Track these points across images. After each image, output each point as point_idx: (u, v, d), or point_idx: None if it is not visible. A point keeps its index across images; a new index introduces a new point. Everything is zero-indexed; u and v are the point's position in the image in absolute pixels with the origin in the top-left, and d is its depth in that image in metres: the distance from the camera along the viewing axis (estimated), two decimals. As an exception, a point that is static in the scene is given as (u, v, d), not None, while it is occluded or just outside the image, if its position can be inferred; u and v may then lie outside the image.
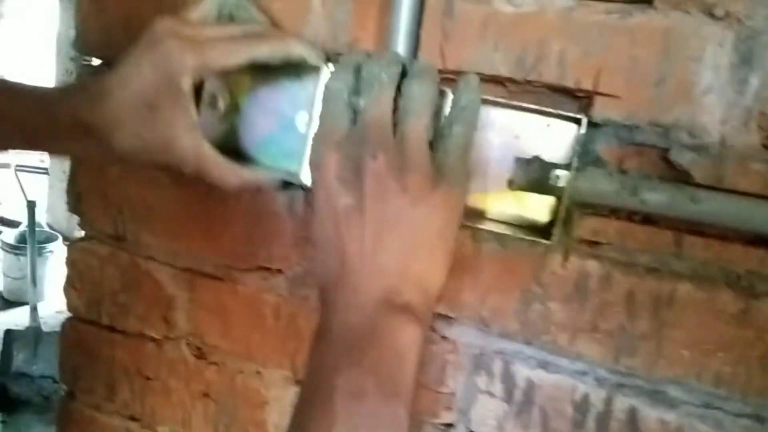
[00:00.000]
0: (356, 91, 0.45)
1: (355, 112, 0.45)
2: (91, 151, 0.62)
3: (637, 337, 0.58)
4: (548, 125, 0.60)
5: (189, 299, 0.76)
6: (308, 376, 0.42)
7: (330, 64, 0.59)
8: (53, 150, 0.71)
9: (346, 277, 0.43)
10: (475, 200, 0.60)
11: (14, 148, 0.61)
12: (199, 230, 0.73)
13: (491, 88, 0.61)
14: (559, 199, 0.55)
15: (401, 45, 0.61)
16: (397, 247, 0.43)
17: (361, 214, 0.43)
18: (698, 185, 0.54)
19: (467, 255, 0.62)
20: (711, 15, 0.53)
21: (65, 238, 4.81)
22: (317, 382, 0.40)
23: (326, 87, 0.46)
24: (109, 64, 0.76)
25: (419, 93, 0.44)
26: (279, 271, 0.71)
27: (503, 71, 0.59)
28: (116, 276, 0.79)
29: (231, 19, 0.62)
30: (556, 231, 0.54)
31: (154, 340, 0.79)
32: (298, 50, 0.58)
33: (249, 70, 0.62)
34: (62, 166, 5.34)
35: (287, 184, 0.65)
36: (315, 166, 0.46)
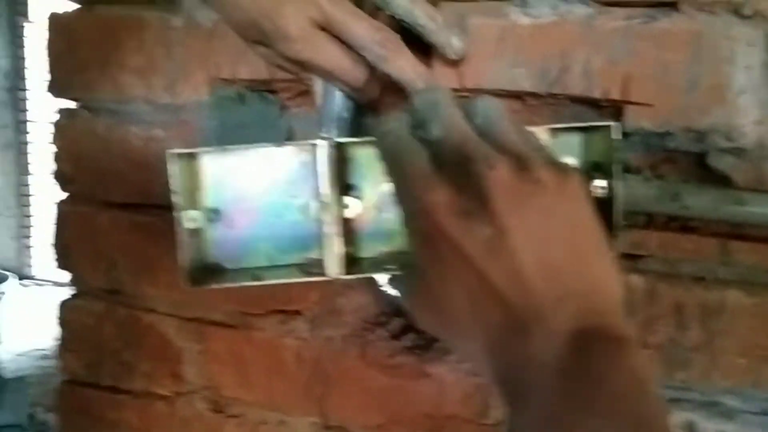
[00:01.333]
0: (413, 126, 0.39)
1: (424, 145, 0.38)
2: None
3: (689, 349, 0.56)
4: (553, 139, 0.57)
5: (199, 351, 0.71)
6: None
7: (323, 141, 0.52)
8: None
9: (520, 322, 0.33)
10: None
11: None
12: (205, 276, 0.68)
13: (507, 102, 0.59)
14: (608, 206, 0.51)
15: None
16: (564, 255, 0.34)
17: (505, 238, 0.33)
18: (739, 189, 0.53)
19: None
20: (739, 15, 0.51)
21: (18, 277, 4.60)
22: None
23: (381, 134, 0.40)
24: (88, 107, 0.71)
25: (492, 104, 0.39)
26: (297, 312, 0.67)
27: (526, 86, 0.56)
28: (115, 333, 0.73)
29: None
30: (620, 239, 0.50)
31: (163, 397, 0.73)
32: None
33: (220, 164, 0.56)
34: (7, 202, 5.10)
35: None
36: (417, 218, 0.37)
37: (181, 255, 0.53)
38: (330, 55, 0.51)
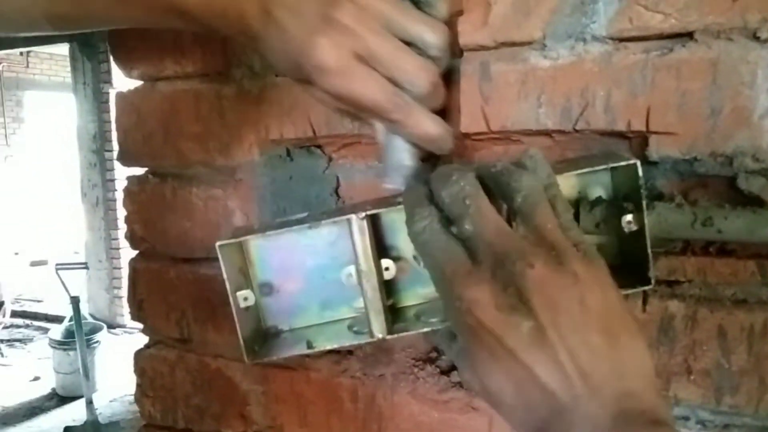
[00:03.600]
0: (444, 217, 0.42)
1: (458, 239, 0.41)
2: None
3: (736, 373, 0.55)
4: (583, 177, 0.58)
5: (263, 392, 0.75)
6: None
7: (358, 214, 0.53)
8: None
9: (563, 407, 0.36)
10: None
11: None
12: (264, 322, 0.73)
13: (536, 140, 0.61)
14: (638, 238, 0.52)
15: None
16: (599, 344, 0.37)
17: (546, 330, 0.36)
18: (773, 209, 0.53)
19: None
20: (756, 39, 0.52)
21: (110, 326, 4.87)
22: None
23: (413, 233, 0.43)
24: (154, 173, 0.78)
25: (531, 183, 0.41)
26: (350, 352, 0.70)
27: (550, 125, 0.58)
28: (187, 379, 0.79)
29: None
30: (652, 273, 0.51)
31: (233, 437, 0.78)
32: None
33: (284, 243, 0.59)
34: (98, 256, 5.45)
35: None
36: (463, 313, 0.39)
37: (239, 332, 0.57)
38: (369, 89, 0.49)
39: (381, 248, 0.58)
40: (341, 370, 0.70)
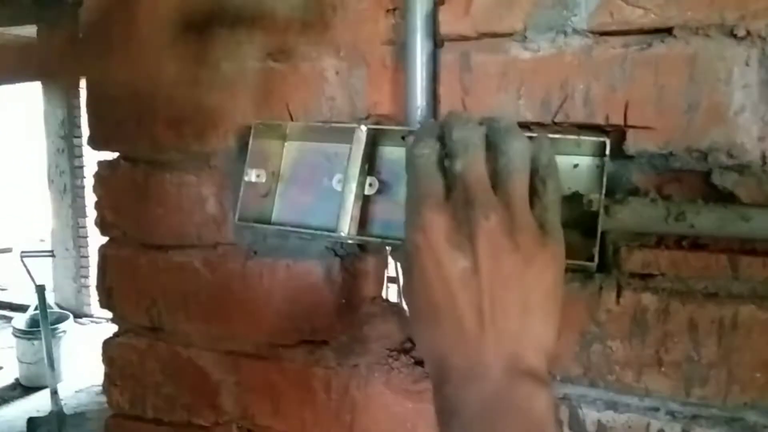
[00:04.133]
0: (443, 155, 0.45)
1: (446, 175, 0.44)
2: None
3: (706, 365, 0.56)
4: (576, 165, 0.59)
5: (235, 382, 0.74)
6: None
7: (363, 126, 0.60)
8: None
9: (467, 344, 0.41)
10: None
11: None
12: (237, 311, 0.72)
13: (515, 131, 0.61)
14: (596, 224, 0.54)
15: (419, 105, 0.61)
16: (515, 308, 0.42)
17: (477, 276, 0.41)
18: (745, 204, 0.54)
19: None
20: (733, 36, 0.53)
21: (76, 316, 4.78)
22: None
23: (413, 154, 0.45)
24: (126, 157, 0.76)
25: (518, 150, 0.44)
26: (324, 342, 0.70)
27: (529, 117, 0.59)
28: (157, 368, 0.78)
29: None
30: (596, 250, 0.53)
31: (203, 428, 0.77)
32: None
33: (289, 139, 0.68)
34: (65, 244, 5.34)
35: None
36: (418, 229, 0.43)
37: (239, 200, 0.65)
38: None
39: (374, 173, 0.64)
40: (315, 360, 0.70)
